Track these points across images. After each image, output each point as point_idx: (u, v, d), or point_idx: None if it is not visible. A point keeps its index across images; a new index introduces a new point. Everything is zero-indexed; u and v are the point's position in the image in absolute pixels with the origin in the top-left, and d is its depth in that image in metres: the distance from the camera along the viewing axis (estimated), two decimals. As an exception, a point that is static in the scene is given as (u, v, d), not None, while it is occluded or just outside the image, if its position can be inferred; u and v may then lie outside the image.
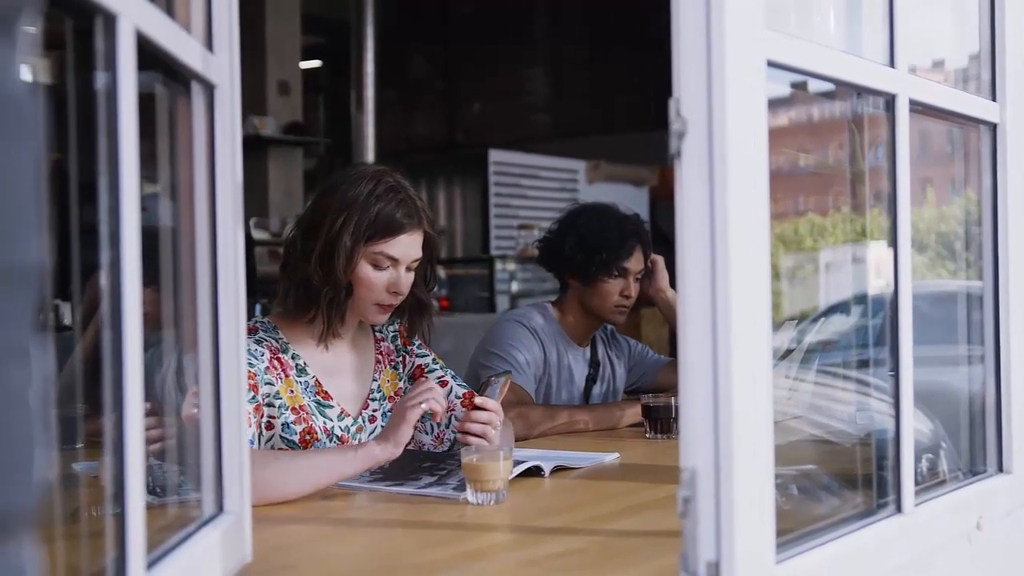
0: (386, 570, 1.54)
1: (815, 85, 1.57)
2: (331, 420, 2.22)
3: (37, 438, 0.56)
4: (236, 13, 1.38)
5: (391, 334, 2.42)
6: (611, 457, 2.36)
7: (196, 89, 1.32)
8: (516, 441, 2.59)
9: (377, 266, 2.19)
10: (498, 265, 7.56)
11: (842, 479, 1.69)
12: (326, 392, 2.24)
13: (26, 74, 0.58)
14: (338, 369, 2.29)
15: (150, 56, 1.09)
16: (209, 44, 1.33)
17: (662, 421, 2.65)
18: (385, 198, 2.17)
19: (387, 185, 2.19)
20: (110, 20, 0.98)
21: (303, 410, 2.18)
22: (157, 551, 1.13)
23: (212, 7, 1.34)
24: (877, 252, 1.85)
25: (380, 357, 2.38)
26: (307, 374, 2.22)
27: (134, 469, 1.00)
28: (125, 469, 0.99)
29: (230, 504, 1.37)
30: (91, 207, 1.00)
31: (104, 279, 0.99)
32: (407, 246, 2.21)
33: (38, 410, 0.56)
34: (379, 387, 2.35)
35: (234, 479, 1.38)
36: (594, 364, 3.15)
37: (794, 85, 1.48)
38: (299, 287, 2.20)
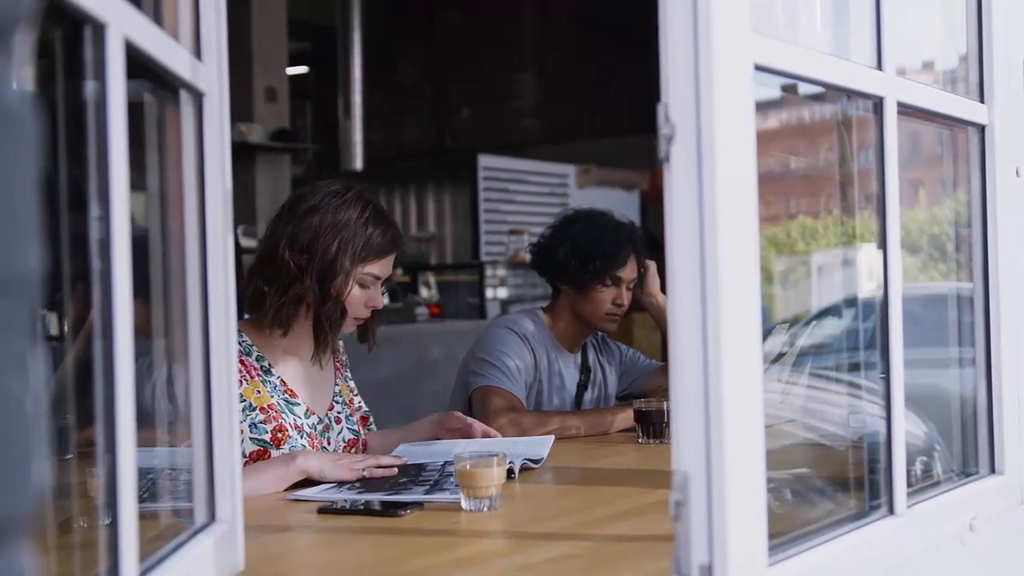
0: (379, 577, 1.54)
1: (805, 88, 1.57)
2: (299, 417, 2.31)
3: (36, 446, 0.56)
4: (224, 20, 1.38)
5: (340, 346, 2.55)
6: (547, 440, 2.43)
7: (184, 97, 1.32)
8: None
9: (362, 285, 2.31)
10: (488, 271, 7.54)
11: (834, 481, 1.70)
12: (292, 391, 2.33)
13: (22, 84, 0.58)
14: (303, 374, 2.37)
15: (137, 64, 1.09)
16: (197, 52, 1.33)
17: (654, 426, 2.65)
18: (374, 222, 2.30)
19: (374, 208, 2.32)
20: (99, 29, 0.97)
21: (271, 409, 2.26)
22: (149, 560, 1.13)
23: (200, 15, 1.34)
24: (868, 255, 1.85)
25: (339, 365, 2.50)
26: (273, 375, 2.31)
27: (126, 479, 1.00)
28: (117, 479, 0.99)
29: (222, 512, 1.37)
30: (79, 216, 1.00)
31: (95, 288, 0.99)
32: (390, 265, 2.36)
33: (36, 418, 0.57)
34: (339, 392, 2.46)
35: (226, 488, 1.37)
36: (585, 370, 3.15)
37: (784, 88, 1.48)
38: (291, 304, 2.28)
